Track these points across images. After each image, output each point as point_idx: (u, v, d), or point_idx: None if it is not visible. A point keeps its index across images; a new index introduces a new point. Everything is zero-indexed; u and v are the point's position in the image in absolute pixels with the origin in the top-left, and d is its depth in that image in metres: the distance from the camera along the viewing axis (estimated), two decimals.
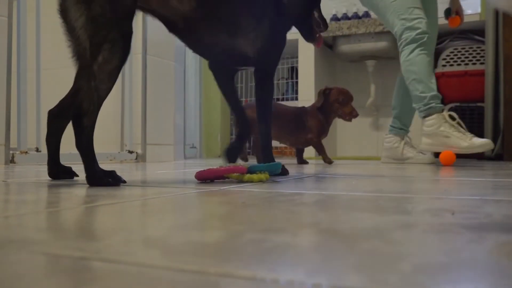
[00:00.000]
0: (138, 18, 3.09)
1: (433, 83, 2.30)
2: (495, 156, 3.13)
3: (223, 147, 4.29)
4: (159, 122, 3.08)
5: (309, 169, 1.89)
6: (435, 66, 3.30)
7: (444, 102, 3.40)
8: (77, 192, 0.93)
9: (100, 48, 1.04)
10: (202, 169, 1.14)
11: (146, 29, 2.99)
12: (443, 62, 3.41)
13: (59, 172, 1.24)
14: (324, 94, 2.53)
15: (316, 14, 1.51)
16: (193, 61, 4.10)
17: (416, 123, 2.59)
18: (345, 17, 4.06)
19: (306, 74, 3.79)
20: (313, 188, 1.02)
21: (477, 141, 2.17)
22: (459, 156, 2.58)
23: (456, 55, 3.42)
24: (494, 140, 3.18)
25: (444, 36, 3.47)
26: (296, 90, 4.14)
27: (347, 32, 3.72)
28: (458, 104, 3.42)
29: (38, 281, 0.31)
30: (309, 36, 1.55)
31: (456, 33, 3.52)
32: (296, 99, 4.02)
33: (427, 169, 1.89)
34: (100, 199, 0.81)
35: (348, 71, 4.19)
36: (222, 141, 4.17)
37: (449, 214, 0.60)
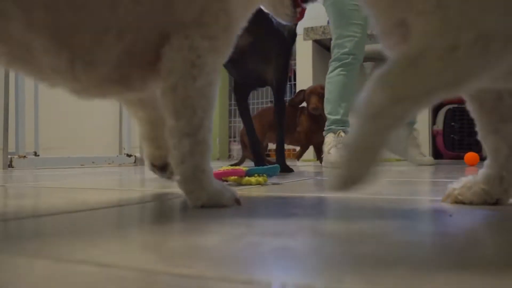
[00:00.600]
0: None
1: (341, 107, 2.30)
2: None
3: (222, 150, 4.30)
4: None
5: (308, 171, 1.89)
6: None
7: (442, 103, 3.41)
8: (75, 196, 0.93)
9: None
10: None
11: None
12: None
13: None
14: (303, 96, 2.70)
15: None
16: None
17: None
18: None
19: (304, 76, 3.80)
20: (311, 190, 1.02)
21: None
22: (459, 157, 2.58)
23: None
24: None
25: None
26: (294, 92, 4.14)
27: None
28: (456, 105, 3.43)
29: (37, 286, 0.31)
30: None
31: None
32: None
33: (424, 170, 1.89)
34: (98, 203, 0.81)
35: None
36: (220, 144, 4.17)
37: (446, 216, 0.60)
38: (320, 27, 3.79)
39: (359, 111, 0.52)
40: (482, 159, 3.14)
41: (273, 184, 1.15)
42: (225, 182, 1.14)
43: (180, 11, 0.66)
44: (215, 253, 0.40)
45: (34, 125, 2.53)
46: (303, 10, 1.37)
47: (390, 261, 0.36)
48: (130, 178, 1.60)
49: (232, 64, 1.68)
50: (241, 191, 0.96)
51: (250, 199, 0.83)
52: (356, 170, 0.54)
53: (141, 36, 0.66)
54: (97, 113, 3.16)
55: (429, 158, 2.46)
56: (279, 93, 1.81)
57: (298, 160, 2.61)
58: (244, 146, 2.59)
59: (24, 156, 2.33)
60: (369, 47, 3.81)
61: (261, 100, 4.48)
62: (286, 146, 2.71)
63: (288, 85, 4.38)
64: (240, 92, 1.86)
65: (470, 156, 2.33)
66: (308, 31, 3.80)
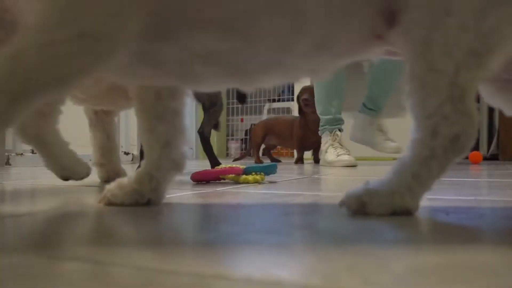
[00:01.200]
0: None
1: (332, 105, 2.30)
2: (491, 156, 3.14)
3: (219, 148, 4.29)
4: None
5: (305, 170, 1.89)
6: None
7: None
8: (72, 195, 0.93)
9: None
10: (197, 170, 1.14)
11: None
12: None
13: None
14: (297, 100, 2.75)
15: None
16: None
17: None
18: None
19: None
20: (309, 189, 1.02)
21: (343, 157, 2.19)
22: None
23: None
24: (490, 140, 3.20)
25: None
26: (292, 91, 4.14)
27: None
28: None
29: (31, 284, 0.31)
30: None
31: None
32: (292, 99, 4.03)
33: None
34: (94, 201, 0.81)
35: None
36: (218, 143, 4.17)
37: (443, 214, 0.60)
38: None
39: None
40: (482, 157, 3.16)
41: (270, 182, 1.15)
42: (223, 180, 1.14)
43: None
44: (211, 250, 0.40)
45: None
46: None
47: (387, 259, 0.36)
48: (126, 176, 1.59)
49: None
50: (238, 189, 0.97)
51: (247, 197, 0.83)
52: None
53: None
54: None
55: (396, 145, 2.31)
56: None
57: (296, 163, 2.64)
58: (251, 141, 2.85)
59: (21, 154, 2.33)
60: None
61: (258, 98, 4.48)
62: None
63: (286, 84, 4.40)
64: None
65: (474, 154, 2.40)
66: None
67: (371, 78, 2.48)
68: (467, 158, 2.42)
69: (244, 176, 1.12)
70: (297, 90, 3.82)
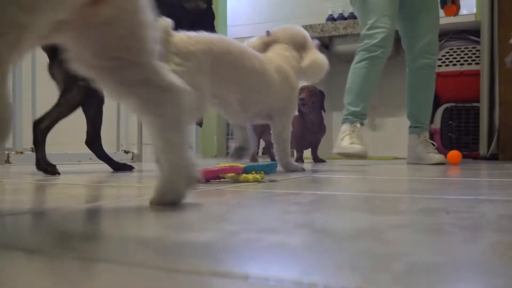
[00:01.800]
0: None
1: (362, 99, 2.29)
2: (491, 156, 3.14)
3: (219, 147, 4.29)
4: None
5: (306, 169, 1.89)
6: None
7: (439, 102, 3.41)
8: (72, 192, 0.93)
9: (71, 89, 1.51)
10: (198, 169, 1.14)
11: None
12: (439, 62, 3.42)
13: None
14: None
15: None
16: None
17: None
18: (341, 17, 4.07)
19: None
20: (308, 188, 1.02)
21: (354, 146, 2.20)
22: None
23: (451, 55, 3.43)
24: (490, 140, 3.19)
25: (440, 36, 3.48)
26: None
27: (343, 32, 3.73)
28: (453, 104, 3.43)
29: (33, 281, 0.31)
30: None
31: (451, 33, 3.53)
32: None
33: (422, 169, 1.89)
34: (95, 199, 0.81)
35: (345, 71, 4.18)
36: (218, 142, 4.17)
37: (443, 214, 0.60)
38: (319, 24, 3.79)
39: None
40: (482, 157, 3.15)
41: (270, 181, 1.15)
42: (223, 179, 1.14)
43: None
44: (211, 249, 0.40)
45: (32, 121, 2.52)
46: None
47: (387, 258, 0.36)
48: (127, 174, 1.59)
49: None
50: (238, 188, 0.97)
51: (247, 195, 0.83)
52: None
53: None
54: None
55: (440, 156, 2.34)
56: None
57: (296, 162, 2.64)
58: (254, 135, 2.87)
59: (21, 152, 2.33)
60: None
61: None
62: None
63: None
64: None
65: (452, 154, 2.32)
66: (306, 28, 3.79)
67: (407, 98, 2.51)
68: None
69: (244, 175, 1.12)
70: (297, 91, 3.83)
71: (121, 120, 2.99)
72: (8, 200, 0.82)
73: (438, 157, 2.32)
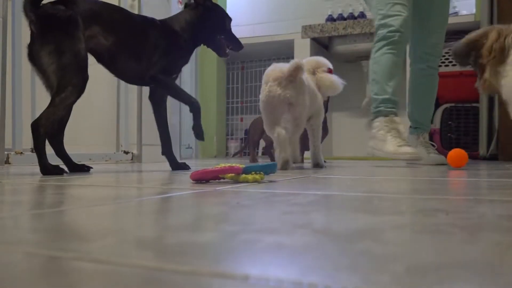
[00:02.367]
0: None
1: (389, 86, 2.19)
2: (490, 156, 3.14)
3: (219, 147, 4.29)
4: (154, 123, 3.07)
5: (305, 169, 1.89)
6: None
7: (439, 102, 3.42)
8: (72, 193, 0.93)
9: (64, 88, 1.46)
10: (197, 170, 1.14)
11: None
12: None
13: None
14: None
15: (224, 37, 1.91)
16: (188, 64, 4.09)
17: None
18: (341, 17, 4.07)
19: None
20: (308, 188, 1.02)
21: (405, 149, 2.08)
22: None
23: (451, 55, 3.43)
24: (489, 140, 3.19)
25: None
26: None
27: (343, 32, 3.73)
28: (453, 104, 3.43)
29: (31, 282, 0.31)
30: (218, 51, 1.95)
31: (451, 34, 3.53)
32: None
33: (422, 169, 1.89)
34: (94, 199, 0.81)
35: (344, 72, 4.19)
36: (218, 142, 4.17)
37: (443, 214, 0.60)
38: (318, 25, 3.79)
39: None
40: (482, 158, 3.15)
41: (270, 181, 1.15)
42: (222, 180, 1.14)
43: None
44: (211, 249, 0.40)
45: (31, 121, 2.52)
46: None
47: (386, 259, 0.36)
48: (127, 175, 1.59)
49: (107, 67, 1.71)
50: (238, 188, 0.97)
51: (247, 196, 0.83)
52: None
53: None
54: (94, 110, 3.15)
55: (440, 157, 2.30)
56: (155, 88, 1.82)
57: (295, 162, 2.64)
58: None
59: (21, 153, 2.33)
60: (367, 46, 3.81)
61: (258, 98, 4.47)
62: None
63: None
64: (153, 104, 1.90)
65: (455, 155, 1.86)
66: (306, 29, 3.80)
67: (409, 99, 2.47)
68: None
69: (243, 175, 1.12)
70: None
71: (121, 121, 2.98)
72: (7, 200, 0.82)
73: (439, 158, 2.31)
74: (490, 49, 1.20)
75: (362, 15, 3.97)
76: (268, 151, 3.13)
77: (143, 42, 1.70)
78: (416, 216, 0.60)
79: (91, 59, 1.61)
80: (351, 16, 4.01)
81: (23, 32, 2.43)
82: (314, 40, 3.86)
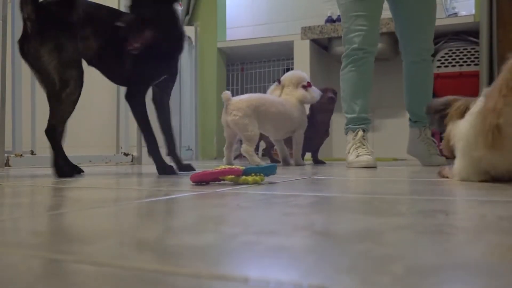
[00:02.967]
0: None
1: (357, 104, 2.23)
2: None
3: (219, 149, 4.29)
4: (154, 125, 3.07)
5: (305, 170, 1.89)
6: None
7: None
8: (72, 195, 0.93)
9: (68, 83, 1.47)
10: (197, 171, 1.14)
11: None
12: (438, 63, 3.43)
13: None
14: None
15: None
16: (188, 66, 4.10)
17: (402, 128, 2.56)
18: (340, 19, 4.07)
19: None
20: (308, 189, 1.02)
21: (362, 157, 2.12)
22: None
23: (450, 56, 3.43)
24: None
25: (439, 38, 3.48)
26: None
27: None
28: None
29: (31, 285, 0.31)
30: None
31: (450, 35, 3.53)
32: None
33: (421, 170, 1.89)
34: (95, 202, 0.81)
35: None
36: (218, 143, 4.17)
37: (442, 215, 0.60)
38: (318, 26, 3.80)
39: None
40: None
41: (270, 183, 1.15)
42: (223, 181, 1.14)
43: None
44: (211, 252, 0.40)
45: (31, 123, 2.53)
46: None
47: (386, 260, 0.36)
48: (127, 176, 1.59)
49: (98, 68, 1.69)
50: (238, 190, 0.97)
51: (247, 198, 0.83)
52: None
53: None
54: (94, 112, 3.16)
55: (441, 158, 2.30)
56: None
57: (297, 164, 2.65)
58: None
59: (21, 155, 2.33)
60: None
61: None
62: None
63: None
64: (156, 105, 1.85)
65: None
66: (305, 30, 3.80)
67: (405, 91, 2.45)
68: None
69: (243, 177, 1.12)
70: None
71: (121, 123, 2.99)
72: (7, 203, 0.82)
73: (440, 159, 2.30)
74: (456, 109, 1.36)
75: None
76: (268, 152, 3.13)
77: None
78: (415, 217, 0.60)
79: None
80: None
81: None
82: (314, 41, 3.86)
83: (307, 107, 2.68)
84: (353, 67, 2.23)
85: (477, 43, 3.36)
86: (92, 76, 1.55)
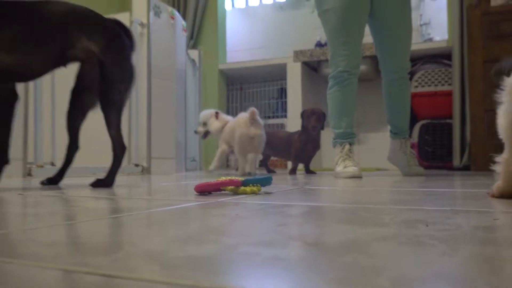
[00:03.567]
0: (143, 46, 3.08)
1: (343, 120, 2.25)
2: (463, 167, 3.14)
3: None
4: (162, 138, 3.06)
5: (298, 180, 1.88)
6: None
7: (417, 119, 3.42)
8: (87, 205, 0.91)
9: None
10: (201, 182, 1.13)
11: (150, 56, 2.99)
12: (415, 84, 3.44)
13: None
14: (301, 116, 2.73)
15: None
16: (193, 83, 4.10)
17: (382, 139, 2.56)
18: None
19: (294, 94, 3.80)
20: (300, 199, 1.01)
21: (348, 169, 2.12)
22: (432, 167, 2.56)
23: (426, 77, 3.45)
24: (462, 152, 3.20)
25: (416, 60, 3.50)
26: (285, 109, 4.14)
27: None
28: (429, 120, 3.44)
29: None
30: None
31: (426, 58, 3.55)
32: (285, 116, 4.03)
33: (402, 180, 1.89)
34: (107, 212, 0.80)
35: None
36: None
37: (423, 226, 0.59)
38: (308, 50, 3.81)
39: None
40: (456, 168, 3.15)
41: (266, 193, 1.14)
42: (223, 191, 1.13)
43: None
44: (212, 263, 0.39)
45: (51, 137, 2.51)
46: None
47: (372, 271, 0.36)
48: (137, 186, 1.58)
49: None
50: (237, 200, 0.96)
51: (245, 207, 0.82)
52: None
53: None
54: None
55: (419, 169, 2.33)
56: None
57: (290, 174, 2.64)
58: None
59: (42, 166, 2.31)
60: None
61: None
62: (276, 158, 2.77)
63: (278, 104, 4.41)
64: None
65: None
66: (297, 54, 3.82)
67: (385, 106, 2.44)
68: (435, 168, 2.34)
69: (242, 188, 1.11)
70: (288, 109, 3.83)
71: (132, 137, 2.97)
72: (28, 213, 0.81)
73: (418, 169, 2.32)
74: None
75: None
76: (265, 163, 3.12)
77: None
78: (398, 227, 0.59)
79: None
80: None
81: None
82: (305, 63, 3.87)
83: (298, 125, 2.71)
84: (339, 87, 2.24)
85: (450, 65, 3.38)
86: None
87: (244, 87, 4.58)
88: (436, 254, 0.42)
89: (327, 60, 3.76)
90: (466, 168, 3.11)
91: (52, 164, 2.45)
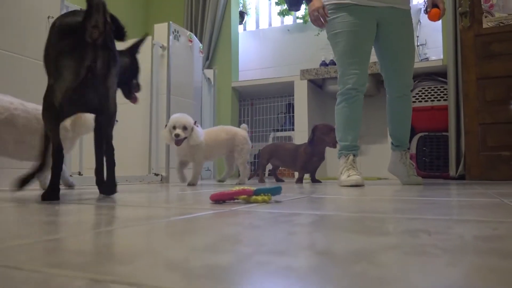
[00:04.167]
0: (163, 67, 3.10)
1: (349, 134, 2.24)
2: (459, 177, 3.10)
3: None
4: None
5: (305, 189, 1.87)
6: None
7: (415, 131, 3.39)
8: (112, 213, 0.91)
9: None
10: (216, 191, 1.13)
11: (170, 75, 3.01)
12: (413, 99, 3.41)
13: None
14: (312, 131, 2.69)
15: (134, 81, 1.61)
16: (208, 99, 4.11)
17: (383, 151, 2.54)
18: (332, 62, 4.08)
19: (300, 109, 3.79)
20: (308, 208, 1.00)
21: (352, 177, 2.11)
22: (430, 176, 2.52)
23: (424, 93, 3.42)
24: (457, 163, 3.15)
25: (413, 78, 3.46)
26: (293, 123, 4.13)
27: (334, 75, 3.72)
28: (426, 133, 3.40)
29: None
30: (127, 95, 1.62)
31: (423, 75, 3.52)
32: (293, 129, 4.01)
33: (402, 189, 1.86)
34: (130, 220, 0.79)
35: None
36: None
37: (425, 235, 0.57)
38: (313, 69, 3.81)
39: None
40: (452, 178, 3.10)
41: (276, 202, 1.13)
42: (237, 200, 1.12)
43: None
44: (229, 272, 0.38)
45: (79, 148, 2.53)
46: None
47: (381, 282, 0.34)
48: (157, 195, 1.58)
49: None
50: (250, 208, 0.94)
51: (257, 216, 0.81)
52: None
53: None
54: (130, 138, 3.16)
55: (418, 178, 2.29)
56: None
57: (297, 183, 2.62)
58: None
59: (70, 175, 2.32)
60: None
61: (265, 128, 4.47)
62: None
63: (286, 118, 4.40)
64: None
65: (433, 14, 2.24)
66: (304, 72, 3.82)
67: (388, 121, 2.42)
68: (433, 177, 2.31)
69: (254, 197, 1.10)
70: (296, 123, 3.82)
71: (152, 148, 2.98)
72: (56, 221, 0.81)
73: (417, 179, 2.29)
74: None
75: None
76: (274, 173, 3.11)
77: None
78: (402, 237, 0.57)
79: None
80: None
81: None
82: (310, 81, 3.87)
83: (305, 137, 2.67)
84: (347, 104, 2.23)
85: (445, 82, 3.35)
86: (129, 110, 1.55)
87: (255, 102, 4.59)
88: (441, 265, 0.41)
89: (331, 78, 3.76)
90: (461, 177, 3.07)
91: (80, 173, 2.46)
